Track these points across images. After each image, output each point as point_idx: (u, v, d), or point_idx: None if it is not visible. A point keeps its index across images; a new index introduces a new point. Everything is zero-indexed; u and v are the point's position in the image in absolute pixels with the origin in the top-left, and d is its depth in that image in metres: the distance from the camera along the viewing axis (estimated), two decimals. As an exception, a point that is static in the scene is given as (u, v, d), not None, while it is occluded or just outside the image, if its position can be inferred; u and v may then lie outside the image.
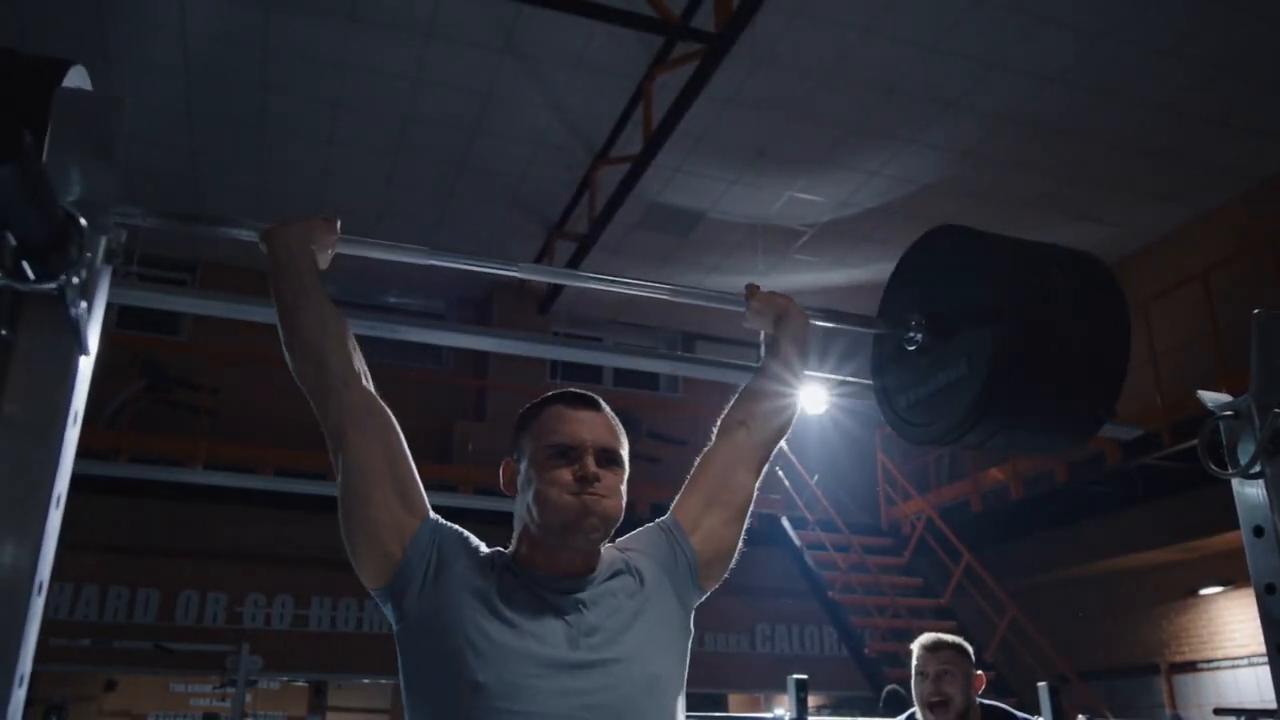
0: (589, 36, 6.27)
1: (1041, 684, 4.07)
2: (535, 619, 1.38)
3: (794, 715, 4.23)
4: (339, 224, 1.65)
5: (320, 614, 8.36)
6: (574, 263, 8.21)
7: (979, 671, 3.16)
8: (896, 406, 2.13)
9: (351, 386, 1.48)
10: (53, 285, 0.97)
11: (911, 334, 2.00)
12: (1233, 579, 7.96)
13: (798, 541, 9.14)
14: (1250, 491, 1.45)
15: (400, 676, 1.41)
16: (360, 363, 1.53)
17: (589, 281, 1.91)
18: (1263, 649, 1.48)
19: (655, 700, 1.40)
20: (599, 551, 1.50)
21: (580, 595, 1.43)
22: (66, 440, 1.01)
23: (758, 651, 9.60)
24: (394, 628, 1.43)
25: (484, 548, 1.51)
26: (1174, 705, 8.21)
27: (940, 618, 8.52)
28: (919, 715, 3.15)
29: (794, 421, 1.81)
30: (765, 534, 9.29)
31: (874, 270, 9.36)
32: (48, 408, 0.99)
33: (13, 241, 0.93)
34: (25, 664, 0.94)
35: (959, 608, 8.78)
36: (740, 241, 8.77)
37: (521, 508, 1.49)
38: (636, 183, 7.01)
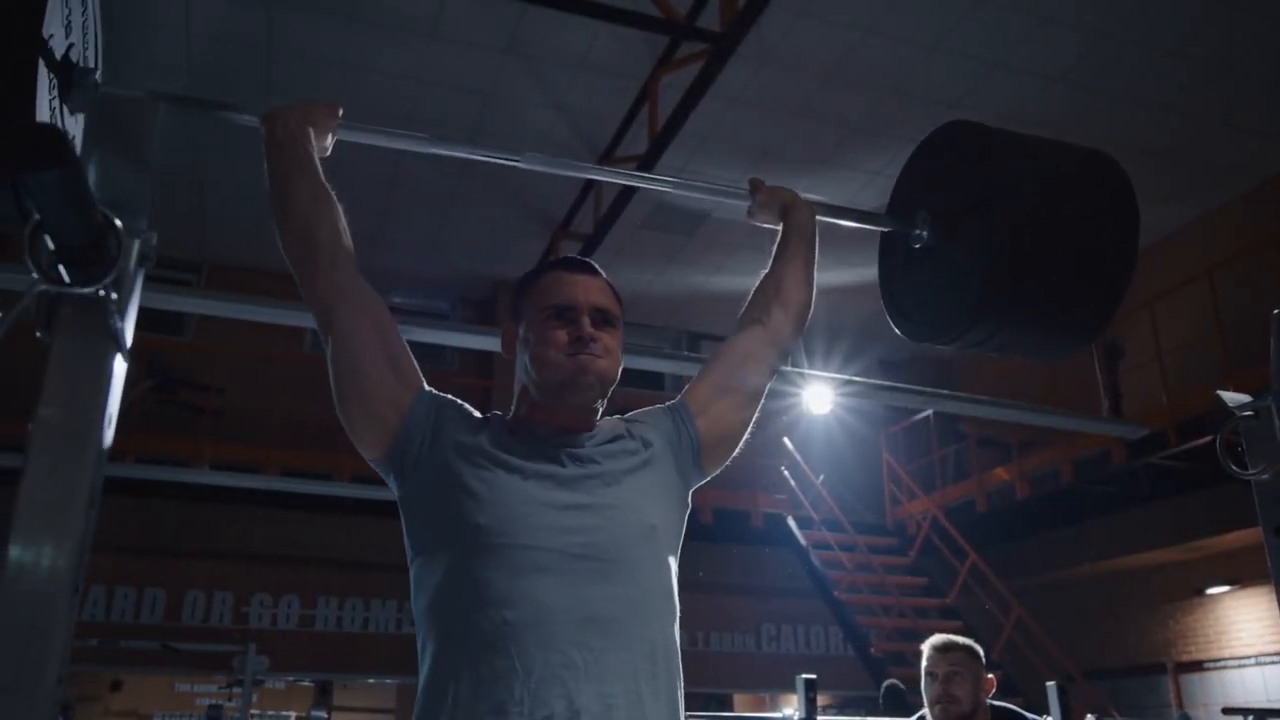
0: (593, 37, 6.28)
1: (1050, 684, 4.08)
2: (533, 464, 1.41)
3: (803, 715, 4.24)
4: (340, 110, 1.69)
5: (326, 614, 8.38)
6: (579, 263, 8.20)
7: (989, 674, 3.16)
8: (902, 306, 2.10)
9: (339, 267, 1.49)
10: (89, 289, 0.98)
11: (918, 231, 1.97)
12: (1239, 578, 7.96)
13: (803, 541, 9.14)
14: (1270, 491, 1.45)
15: (406, 543, 1.42)
16: (349, 246, 1.54)
17: (596, 174, 1.89)
18: (1269, 648, 1.48)
19: (650, 547, 1.41)
20: (596, 411, 1.52)
21: (579, 450, 1.46)
22: (102, 442, 1.02)
23: (763, 651, 9.61)
24: (397, 495, 1.45)
25: (478, 414, 1.53)
26: (1180, 705, 8.21)
27: (945, 617, 8.53)
28: (928, 716, 3.16)
29: (809, 311, 1.84)
30: (771, 533, 9.30)
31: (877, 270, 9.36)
32: (85, 410, 1.00)
33: (50, 245, 0.94)
34: (63, 663, 0.95)
35: (964, 607, 8.78)
36: (744, 241, 8.78)
37: (520, 369, 1.52)
38: (642, 183, 7.02)
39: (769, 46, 6.24)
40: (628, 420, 1.59)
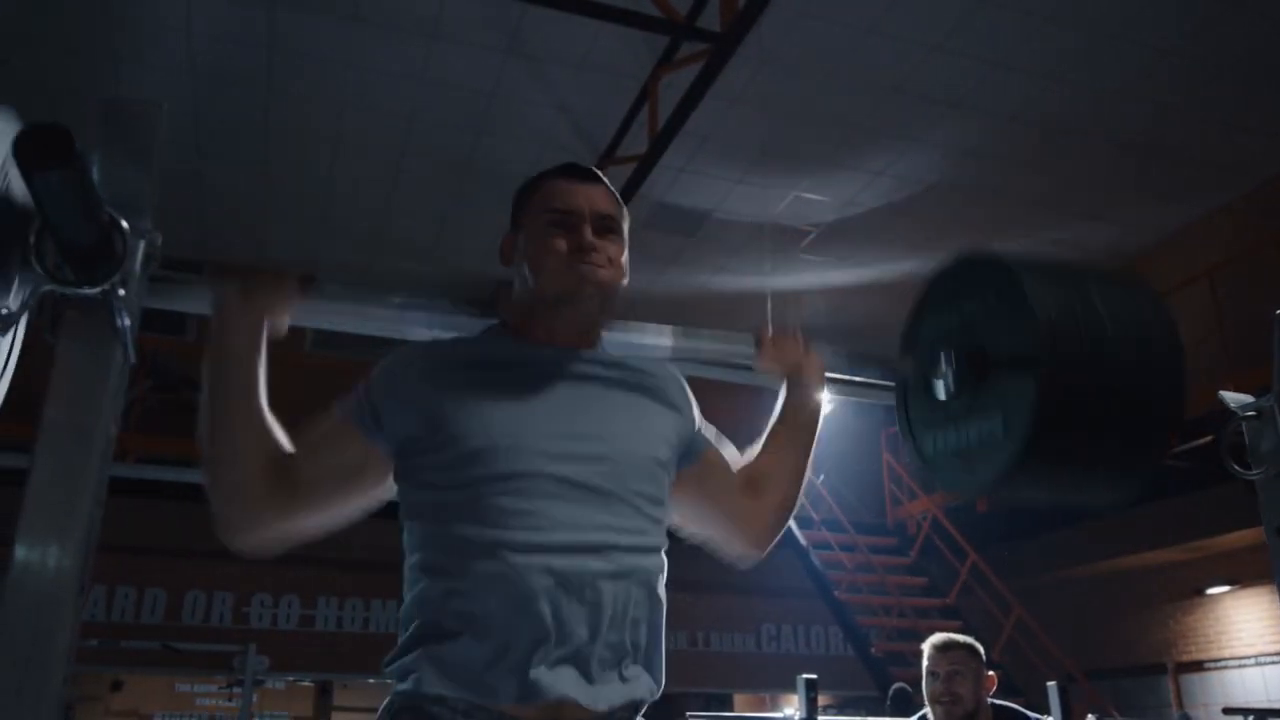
0: (594, 37, 6.28)
1: (1051, 683, 4.08)
2: (530, 385, 1.34)
3: (803, 715, 4.25)
4: (314, 279, 1.47)
5: (326, 614, 8.38)
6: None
7: (990, 672, 3.17)
8: (924, 448, 1.94)
9: (296, 499, 1.32)
10: (95, 290, 0.98)
11: (940, 377, 1.81)
12: (1240, 578, 7.97)
13: (803, 541, 9.15)
14: (1273, 491, 1.45)
15: (402, 515, 1.34)
16: (285, 465, 1.33)
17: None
18: (1270, 648, 1.48)
19: (654, 482, 1.36)
20: (599, 325, 1.46)
21: (580, 367, 1.39)
22: (107, 442, 1.03)
23: (763, 651, 9.62)
24: (395, 483, 1.37)
25: (447, 338, 1.48)
26: (1181, 705, 8.22)
27: (946, 617, 8.53)
28: (930, 715, 3.16)
29: (792, 508, 1.65)
30: (770, 533, 9.29)
31: (880, 269, 9.38)
32: (91, 410, 1.00)
33: (56, 246, 0.95)
34: (69, 664, 0.95)
35: (965, 607, 8.79)
36: (746, 241, 8.78)
37: (518, 278, 1.45)
38: (642, 183, 7.02)
39: (769, 46, 6.24)
40: (640, 358, 1.52)
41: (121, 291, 1.00)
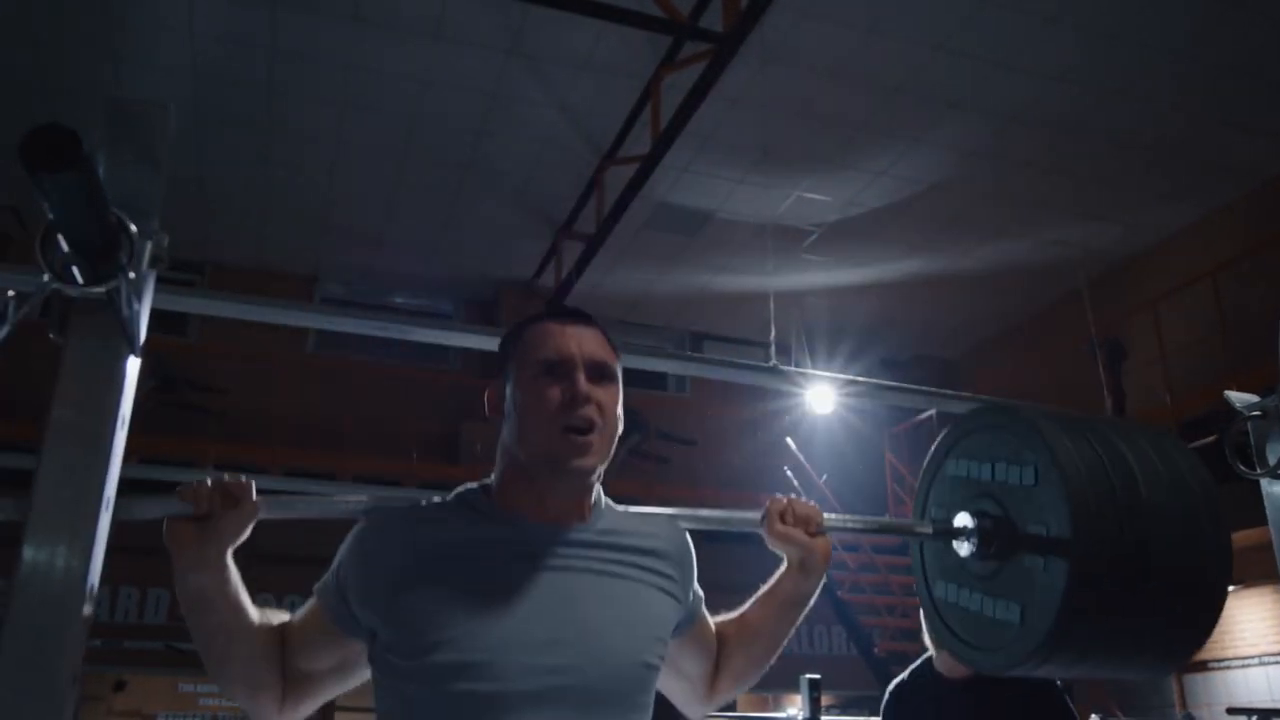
0: (596, 37, 6.28)
1: (1056, 681, 4.07)
2: (512, 580, 1.23)
3: (807, 715, 4.24)
4: (254, 493, 1.30)
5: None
6: (582, 263, 8.22)
7: None
8: (935, 590, 1.82)
9: (290, 692, 1.33)
10: (102, 290, 0.98)
11: (962, 537, 1.68)
12: (1244, 578, 7.94)
13: (806, 541, 9.12)
14: (1279, 491, 1.45)
15: (379, 701, 1.28)
16: (278, 662, 1.32)
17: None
18: (1274, 648, 1.48)
19: (642, 689, 1.27)
20: (593, 489, 1.34)
21: (570, 553, 1.28)
22: (116, 443, 1.03)
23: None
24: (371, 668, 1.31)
25: (422, 503, 1.35)
26: (1184, 705, 8.21)
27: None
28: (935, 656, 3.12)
29: (747, 687, 1.58)
30: (773, 534, 9.28)
31: (881, 270, 9.38)
32: (98, 411, 1.00)
33: (64, 247, 0.95)
34: (77, 664, 0.95)
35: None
36: (748, 241, 8.78)
37: (507, 435, 1.34)
38: (644, 183, 7.02)
39: (771, 46, 6.24)
40: (642, 520, 1.41)
41: (128, 294, 1.00)
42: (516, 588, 1.22)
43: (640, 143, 7.00)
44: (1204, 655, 8.29)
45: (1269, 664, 7.68)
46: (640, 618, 1.29)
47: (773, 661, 1.56)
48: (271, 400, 8.55)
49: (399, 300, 10.27)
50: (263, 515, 1.29)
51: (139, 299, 1.01)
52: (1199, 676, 8.31)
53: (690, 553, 1.44)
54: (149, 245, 1.02)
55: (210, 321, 8.88)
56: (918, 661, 3.25)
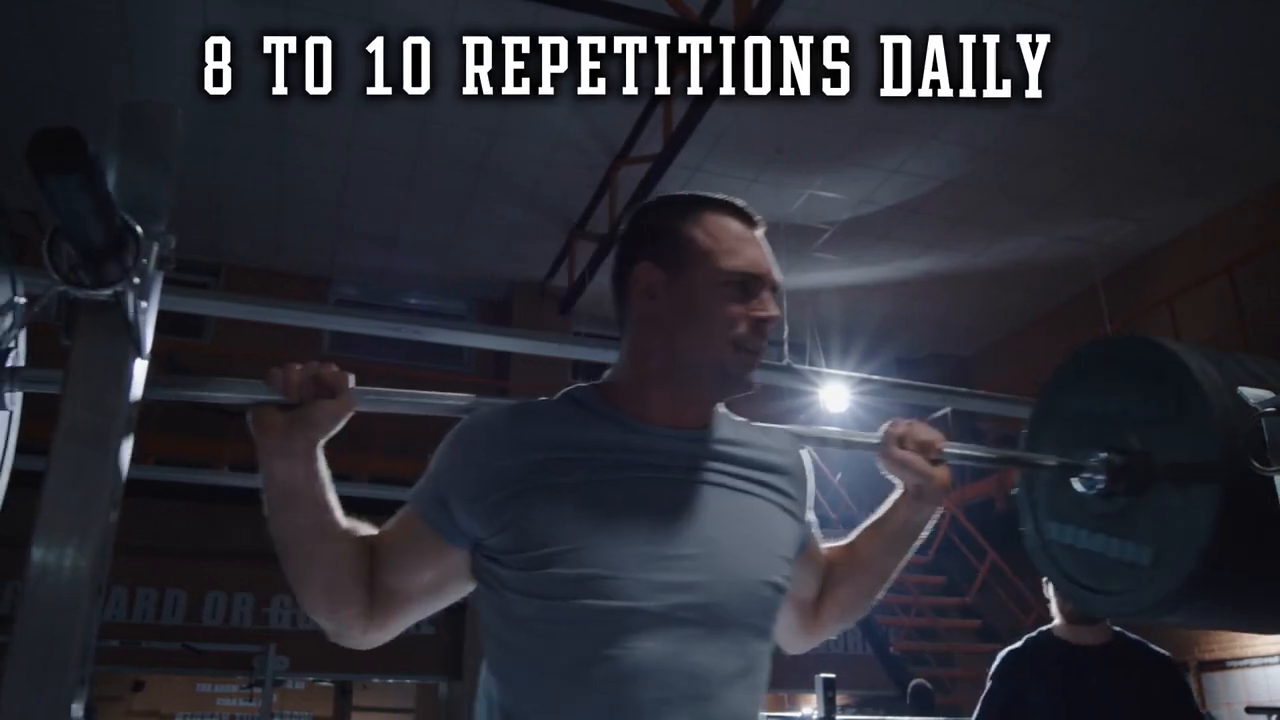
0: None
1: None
2: (637, 490, 1.14)
3: (822, 714, 4.23)
4: (350, 381, 1.19)
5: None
6: (595, 263, 8.22)
7: None
8: (1046, 531, 1.71)
9: (376, 608, 1.21)
10: (108, 292, 0.99)
11: (1086, 473, 1.57)
12: (1261, 575, 7.89)
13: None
14: (1294, 488, 1.44)
15: (485, 638, 1.18)
16: (369, 579, 1.21)
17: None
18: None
19: (765, 613, 1.18)
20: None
21: (699, 463, 1.18)
22: (123, 444, 1.03)
23: (781, 650, 9.60)
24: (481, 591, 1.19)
25: (526, 408, 1.22)
26: (1204, 704, 8.15)
27: (965, 616, 8.49)
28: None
29: (840, 628, 1.50)
30: (788, 533, 9.27)
31: (895, 267, 9.35)
32: (105, 412, 1.00)
33: (71, 249, 0.95)
34: (87, 665, 0.96)
35: (983, 605, 8.74)
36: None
37: (656, 336, 1.19)
38: (657, 182, 7.01)
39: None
40: (764, 432, 1.32)
41: (134, 297, 1.00)
42: (641, 497, 1.13)
43: (654, 141, 7.00)
44: (1222, 654, 8.23)
45: (1289, 663, 7.62)
46: (767, 536, 1.21)
47: (879, 597, 1.48)
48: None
49: (412, 301, 10.30)
50: (358, 409, 1.20)
51: (146, 301, 1.02)
52: (1218, 675, 8.25)
53: (810, 472, 1.37)
54: (155, 247, 1.02)
55: (226, 323, 8.93)
56: (1034, 633, 3.21)
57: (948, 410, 9.17)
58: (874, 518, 1.48)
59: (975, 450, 1.61)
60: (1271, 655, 7.81)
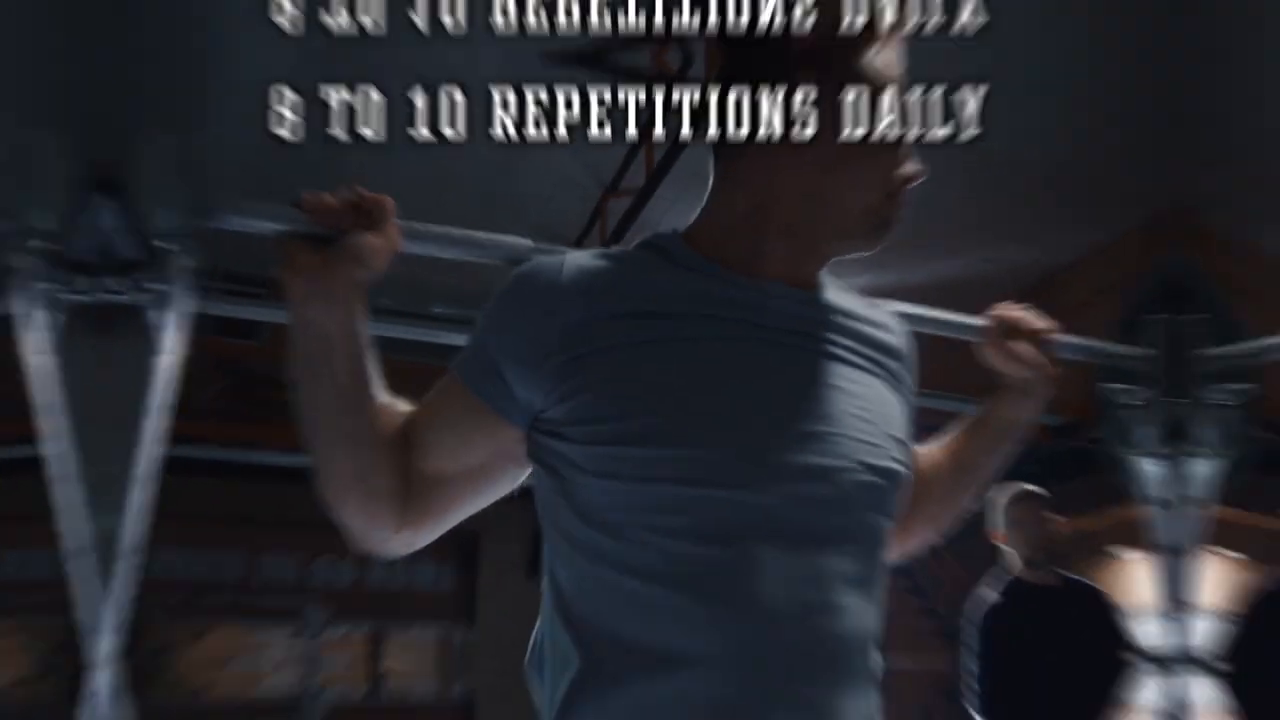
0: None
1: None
2: (744, 355, 0.81)
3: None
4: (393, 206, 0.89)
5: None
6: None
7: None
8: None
9: (417, 484, 0.85)
10: (134, 297, 0.97)
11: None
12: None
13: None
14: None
15: (547, 537, 0.83)
16: (405, 473, 0.85)
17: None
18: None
19: (884, 510, 0.84)
20: None
21: (811, 329, 0.84)
22: (149, 447, 1.00)
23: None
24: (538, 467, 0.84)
25: (596, 255, 0.85)
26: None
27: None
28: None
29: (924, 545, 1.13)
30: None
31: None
32: (130, 412, 0.98)
33: (97, 261, 0.93)
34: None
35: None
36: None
37: (789, 181, 0.83)
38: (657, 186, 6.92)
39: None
40: (863, 301, 0.94)
41: (160, 302, 0.98)
42: (743, 362, 0.81)
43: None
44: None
45: None
46: (886, 418, 0.87)
47: (972, 507, 1.14)
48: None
49: (436, 310, 10.28)
50: (405, 247, 0.89)
51: (171, 306, 0.99)
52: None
53: (915, 358, 0.97)
54: (178, 258, 0.99)
55: (280, 327, 8.88)
56: (1001, 582, 2.83)
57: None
58: (971, 417, 1.14)
59: (1082, 341, 1.33)
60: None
